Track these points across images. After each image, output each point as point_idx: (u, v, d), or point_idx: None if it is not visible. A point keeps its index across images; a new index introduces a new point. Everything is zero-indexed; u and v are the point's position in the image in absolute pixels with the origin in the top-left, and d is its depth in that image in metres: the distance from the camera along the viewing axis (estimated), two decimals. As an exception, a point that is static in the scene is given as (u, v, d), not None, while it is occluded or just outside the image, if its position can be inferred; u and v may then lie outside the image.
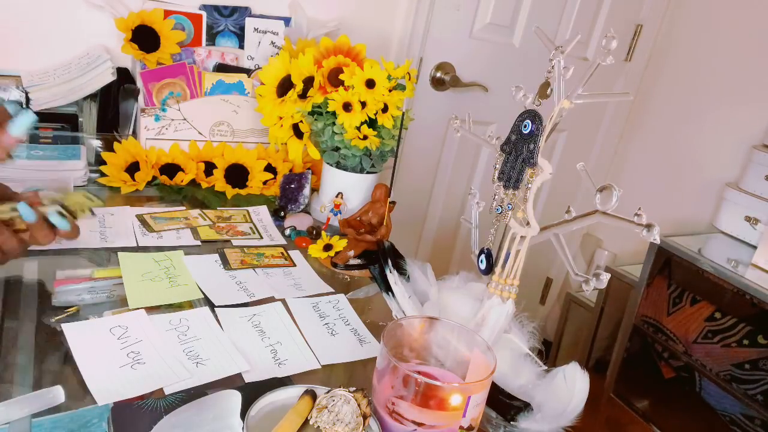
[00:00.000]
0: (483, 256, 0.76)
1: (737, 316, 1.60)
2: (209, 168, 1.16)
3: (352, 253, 0.98)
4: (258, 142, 1.24)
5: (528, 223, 0.68)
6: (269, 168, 1.20)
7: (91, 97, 1.17)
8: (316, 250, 0.98)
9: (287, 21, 1.32)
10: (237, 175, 1.18)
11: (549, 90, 0.68)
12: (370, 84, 1.05)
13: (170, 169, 1.13)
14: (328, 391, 0.56)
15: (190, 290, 0.81)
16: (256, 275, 0.89)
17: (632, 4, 1.92)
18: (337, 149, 1.10)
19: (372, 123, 1.07)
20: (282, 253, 0.97)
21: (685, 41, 1.95)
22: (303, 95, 1.10)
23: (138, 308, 0.74)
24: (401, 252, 0.89)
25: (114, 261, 0.85)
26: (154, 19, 1.15)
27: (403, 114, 1.02)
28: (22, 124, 0.63)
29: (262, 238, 1.02)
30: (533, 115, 0.68)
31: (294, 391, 0.57)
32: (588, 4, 1.80)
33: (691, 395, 1.71)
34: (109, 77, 1.16)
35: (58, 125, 1.16)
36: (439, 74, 1.65)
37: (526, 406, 0.64)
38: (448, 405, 0.55)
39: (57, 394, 0.50)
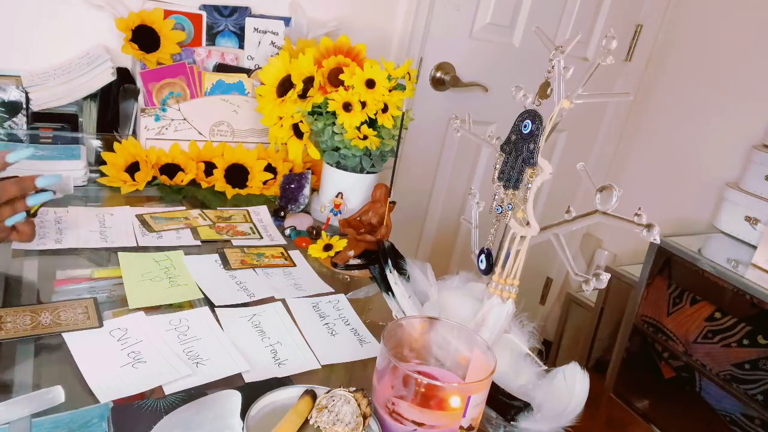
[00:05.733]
0: (483, 256, 0.76)
1: (737, 316, 1.60)
2: (209, 168, 1.16)
3: (352, 253, 0.98)
4: (258, 142, 1.24)
5: (528, 223, 0.68)
6: (269, 168, 1.20)
7: (91, 97, 1.17)
8: (316, 250, 0.98)
9: (287, 21, 1.32)
10: (237, 175, 1.18)
11: (549, 90, 0.68)
12: (370, 84, 1.05)
13: (170, 169, 1.13)
14: (328, 391, 0.56)
15: (190, 290, 0.81)
16: (256, 275, 0.89)
17: (632, 4, 1.92)
18: (337, 149, 1.10)
19: (372, 123, 1.07)
20: (282, 253, 0.97)
21: (685, 41, 1.95)
22: (303, 95, 1.10)
23: (138, 308, 0.74)
24: (401, 252, 0.89)
25: (114, 261, 0.85)
26: (154, 19, 1.15)
27: (403, 114, 1.02)
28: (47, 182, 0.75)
29: (262, 238, 1.02)
30: (533, 115, 0.68)
31: (294, 391, 0.57)
32: (588, 4, 1.80)
33: (691, 395, 1.71)
34: (109, 77, 1.16)
35: (58, 125, 1.16)
36: (439, 74, 1.65)
37: (526, 406, 0.64)
38: (448, 405, 0.55)
39: (57, 394, 0.50)
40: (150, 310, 0.75)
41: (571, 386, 0.64)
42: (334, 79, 1.10)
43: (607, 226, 0.62)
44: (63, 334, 0.67)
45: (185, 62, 1.18)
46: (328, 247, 0.98)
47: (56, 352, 0.65)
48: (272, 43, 1.29)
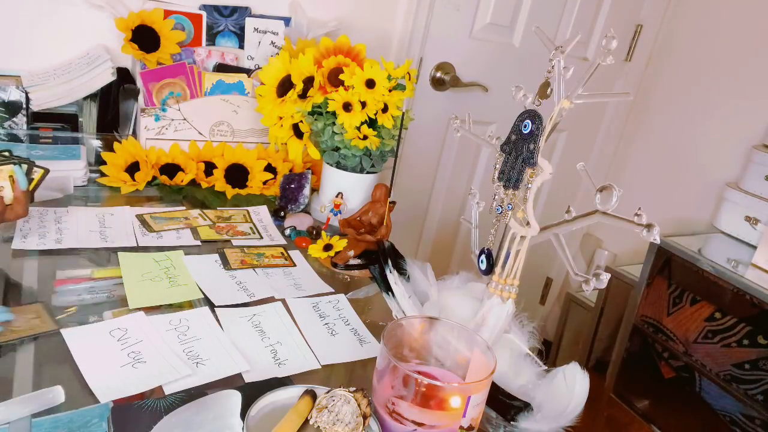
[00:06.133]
0: (483, 256, 0.75)
1: (737, 316, 1.59)
2: (209, 168, 1.16)
3: (352, 253, 0.98)
4: (258, 142, 1.24)
5: (528, 223, 0.68)
6: (269, 168, 1.20)
7: (91, 97, 1.17)
8: (316, 250, 0.98)
9: (287, 21, 1.32)
10: (237, 175, 1.18)
11: (549, 90, 0.68)
12: (370, 84, 1.05)
13: (170, 169, 1.13)
14: (328, 391, 0.56)
15: (190, 290, 0.81)
16: (256, 275, 0.89)
17: (632, 4, 1.92)
18: (337, 149, 1.10)
19: (372, 123, 1.07)
20: (282, 253, 0.97)
21: (685, 41, 1.95)
22: (303, 95, 1.10)
23: (138, 308, 0.74)
24: (401, 252, 0.89)
25: (114, 261, 0.85)
26: (154, 19, 1.15)
27: (403, 114, 1.02)
28: None
29: (262, 238, 1.02)
30: (533, 115, 0.68)
31: (294, 391, 0.57)
32: (588, 4, 1.80)
33: (691, 395, 1.71)
34: (109, 77, 1.16)
35: (58, 125, 1.16)
36: (439, 74, 1.65)
37: (526, 406, 0.64)
38: (448, 405, 0.55)
39: (57, 394, 0.50)
40: (150, 310, 0.75)
41: (571, 386, 0.64)
42: (334, 79, 1.10)
43: (607, 226, 0.62)
44: (63, 333, 0.67)
45: (185, 62, 1.18)
46: (328, 247, 0.98)
47: (56, 352, 0.65)
48: (272, 43, 1.29)
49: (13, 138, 1.10)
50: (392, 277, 0.83)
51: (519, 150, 0.69)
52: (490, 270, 0.74)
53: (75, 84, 1.15)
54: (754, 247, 1.58)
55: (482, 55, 1.70)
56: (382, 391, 0.57)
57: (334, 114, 1.07)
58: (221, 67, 1.24)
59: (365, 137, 1.05)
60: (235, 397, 0.59)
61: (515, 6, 1.68)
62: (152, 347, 0.68)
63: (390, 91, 1.06)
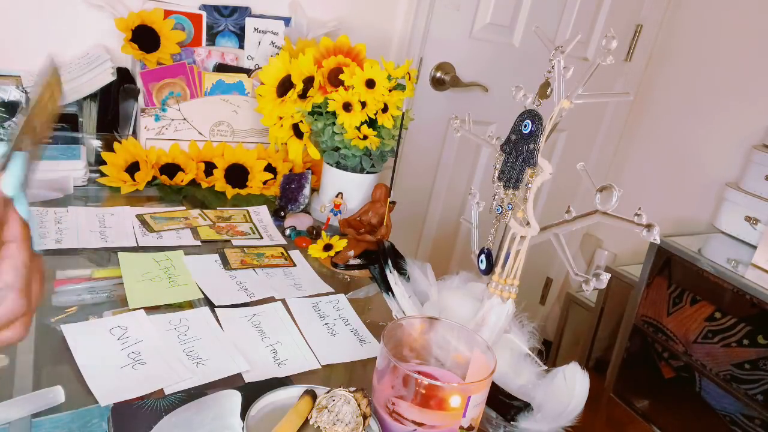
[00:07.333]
0: (483, 256, 0.75)
1: (737, 316, 1.60)
2: (209, 168, 1.16)
3: (352, 253, 0.98)
4: (258, 142, 1.24)
5: (528, 223, 0.68)
6: (269, 168, 1.20)
7: (91, 97, 1.17)
8: (316, 250, 0.98)
9: (287, 21, 1.32)
10: (237, 175, 1.18)
11: (549, 90, 0.68)
12: (370, 84, 1.05)
13: (170, 169, 1.13)
14: (328, 391, 0.56)
15: (190, 290, 0.81)
16: (256, 275, 0.89)
17: (632, 4, 1.92)
18: (337, 149, 1.10)
19: (372, 123, 1.07)
20: (282, 253, 0.97)
21: (685, 41, 1.95)
22: (303, 95, 1.10)
23: (138, 308, 0.74)
24: (401, 252, 0.89)
25: (114, 261, 0.85)
26: (154, 19, 1.15)
27: (403, 114, 1.02)
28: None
29: (262, 238, 1.02)
30: (533, 115, 0.68)
31: (294, 391, 0.57)
32: (588, 4, 1.80)
33: (691, 395, 1.71)
34: (109, 77, 1.16)
35: (58, 125, 1.16)
36: (439, 74, 1.65)
37: (526, 406, 0.64)
38: (448, 405, 0.55)
39: (57, 394, 0.50)
40: (150, 310, 0.75)
41: (571, 386, 0.64)
42: (334, 79, 1.10)
43: (607, 226, 0.62)
44: (63, 329, 0.67)
45: (185, 62, 1.18)
46: (328, 247, 0.98)
47: (56, 352, 0.65)
48: (272, 43, 1.29)
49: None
50: (392, 277, 0.83)
51: (519, 150, 0.69)
52: (490, 270, 0.74)
53: (75, 84, 1.15)
54: (754, 247, 1.58)
55: (482, 55, 1.70)
56: (382, 391, 0.57)
57: (334, 114, 1.07)
58: (221, 67, 1.24)
59: (365, 137, 1.05)
60: (235, 397, 0.59)
61: (515, 6, 1.68)
62: (152, 348, 0.68)
63: (390, 91, 1.06)
